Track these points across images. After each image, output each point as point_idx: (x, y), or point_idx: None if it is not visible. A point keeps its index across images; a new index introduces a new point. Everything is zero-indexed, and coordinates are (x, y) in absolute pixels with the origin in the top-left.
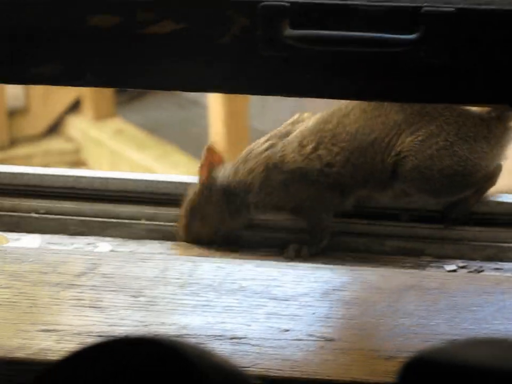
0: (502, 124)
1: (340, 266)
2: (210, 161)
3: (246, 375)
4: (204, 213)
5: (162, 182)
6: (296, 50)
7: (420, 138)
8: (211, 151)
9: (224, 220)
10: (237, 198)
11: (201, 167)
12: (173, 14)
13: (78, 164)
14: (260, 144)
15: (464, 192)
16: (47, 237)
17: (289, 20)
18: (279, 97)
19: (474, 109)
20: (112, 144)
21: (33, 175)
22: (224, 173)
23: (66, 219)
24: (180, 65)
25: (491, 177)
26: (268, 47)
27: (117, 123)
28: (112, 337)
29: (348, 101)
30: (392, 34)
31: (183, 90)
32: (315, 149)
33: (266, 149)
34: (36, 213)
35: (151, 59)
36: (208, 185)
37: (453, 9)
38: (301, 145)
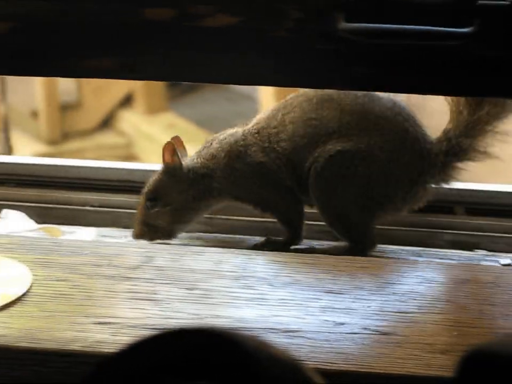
0: (443, 171)
1: (394, 260)
2: (174, 145)
3: (305, 367)
4: (167, 195)
5: None
6: (350, 43)
7: (339, 148)
8: (176, 139)
9: (187, 203)
10: (202, 181)
11: (164, 149)
12: (229, 7)
13: (130, 158)
14: (224, 131)
15: (365, 220)
16: (101, 229)
17: (344, 12)
18: None
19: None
20: (164, 138)
21: (88, 168)
22: (189, 157)
23: (120, 212)
24: (234, 58)
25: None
26: (322, 40)
27: (168, 117)
28: (170, 329)
29: (293, 97)
30: (447, 27)
31: (237, 84)
32: (268, 142)
33: (230, 135)
34: (90, 206)
35: (206, 52)
36: (172, 166)
37: (508, 2)
38: (259, 137)
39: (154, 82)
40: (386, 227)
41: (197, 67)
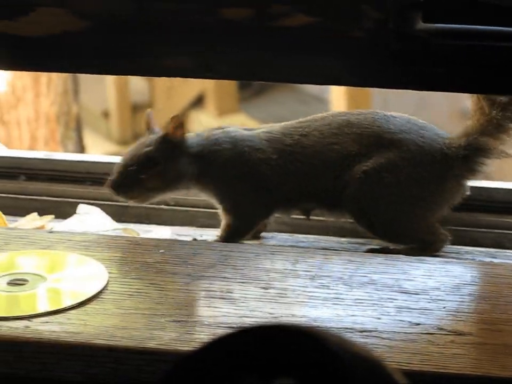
0: (466, 164)
1: (470, 261)
2: (183, 120)
3: (387, 365)
4: (163, 163)
5: None
6: (427, 43)
7: (364, 168)
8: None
9: (176, 178)
10: (198, 162)
11: (172, 120)
12: (306, 7)
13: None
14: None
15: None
16: (177, 228)
17: (422, 13)
18: (401, 91)
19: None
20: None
21: None
22: (194, 136)
23: (195, 211)
24: (311, 58)
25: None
26: (399, 40)
27: (240, 118)
28: (252, 325)
29: (310, 120)
30: None
31: (313, 83)
32: (276, 158)
33: (239, 130)
34: (166, 205)
35: (282, 52)
36: (176, 139)
37: None
38: (269, 147)
39: (226, 83)
40: (461, 228)
41: (273, 67)
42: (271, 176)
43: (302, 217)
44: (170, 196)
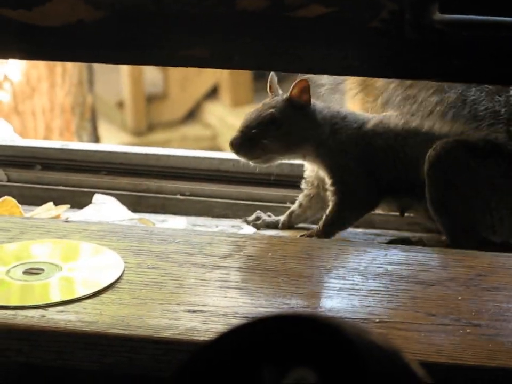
0: None
1: (484, 253)
2: (308, 85)
3: (404, 354)
4: (290, 126)
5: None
6: (444, 34)
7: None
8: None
9: (303, 142)
10: (319, 128)
11: (294, 85)
12: None
13: (215, 149)
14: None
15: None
16: (192, 218)
17: (439, 4)
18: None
19: None
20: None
21: (178, 157)
22: (321, 104)
23: (211, 201)
24: (327, 49)
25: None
26: (416, 31)
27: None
28: (267, 315)
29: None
30: None
31: (329, 74)
32: (394, 141)
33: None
34: (181, 195)
35: (298, 42)
36: (301, 102)
37: None
38: (386, 135)
39: (240, 74)
40: None
41: (289, 57)
42: (384, 163)
43: None
44: (288, 159)
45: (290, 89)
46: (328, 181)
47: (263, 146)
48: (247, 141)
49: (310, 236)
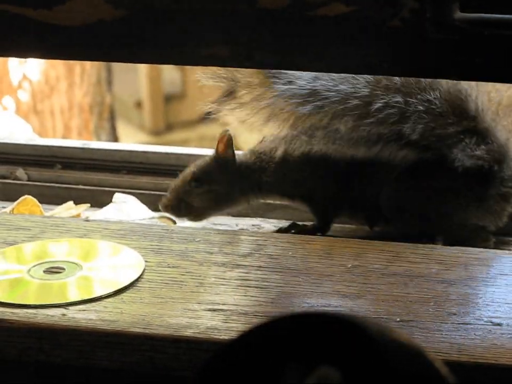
0: None
1: (505, 252)
2: (231, 137)
3: (427, 352)
4: (214, 182)
5: None
6: (466, 33)
7: None
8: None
9: (232, 195)
10: (252, 176)
11: (219, 141)
12: None
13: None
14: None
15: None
16: (212, 217)
17: (460, 2)
18: None
19: None
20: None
21: (198, 156)
22: (242, 152)
23: None
24: (347, 48)
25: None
26: (437, 29)
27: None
28: (292, 312)
29: None
30: None
31: (350, 73)
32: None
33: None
34: None
35: (319, 41)
36: (224, 157)
37: None
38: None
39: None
40: None
41: (310, 55)
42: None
43: None
44: (230, 211)
45: (216, 146)
46: (291, 202)
47: (188, 206)
48: (174, 201)
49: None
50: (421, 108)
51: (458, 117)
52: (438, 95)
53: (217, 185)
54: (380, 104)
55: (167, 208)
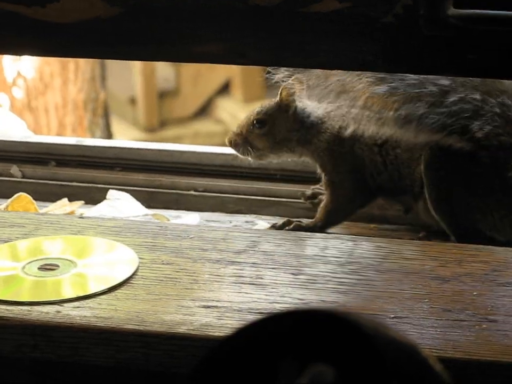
0: None
1: (500, 248)
2: (294, 89)
3: (422, 349)
4: (275, 126)
5: None
6: (459, 29)
7: None
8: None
9: (287, 143)
10: (308, 129)
11: (283, 88)
12: None
13: (227, 145)
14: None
15: None
16: (206, 214)
17: None
18: None
19: None
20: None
21: (192, 153)
22: (313, 105)
23: (224, 197)
24: (341, 44)
25: None
26: (430, 26)
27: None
28: (287, 310)
29: None
30: None
31: (343, 69)
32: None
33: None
34: (195, 191)
35: (312, 38)
36: (286, 104)
37: None
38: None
39: (252, 70)
40: None
41: (304, 52)
42: (369, 167)
43: None
44: (281, 158)
45: (279, 93)
46: (322, 176)
47: (250, 144)
48: (238, 139)
49: (301, 228)
50: (497, 110)
51: None
52: None
53: (277, 129)
54: (456, 98)
55: (231, 144)
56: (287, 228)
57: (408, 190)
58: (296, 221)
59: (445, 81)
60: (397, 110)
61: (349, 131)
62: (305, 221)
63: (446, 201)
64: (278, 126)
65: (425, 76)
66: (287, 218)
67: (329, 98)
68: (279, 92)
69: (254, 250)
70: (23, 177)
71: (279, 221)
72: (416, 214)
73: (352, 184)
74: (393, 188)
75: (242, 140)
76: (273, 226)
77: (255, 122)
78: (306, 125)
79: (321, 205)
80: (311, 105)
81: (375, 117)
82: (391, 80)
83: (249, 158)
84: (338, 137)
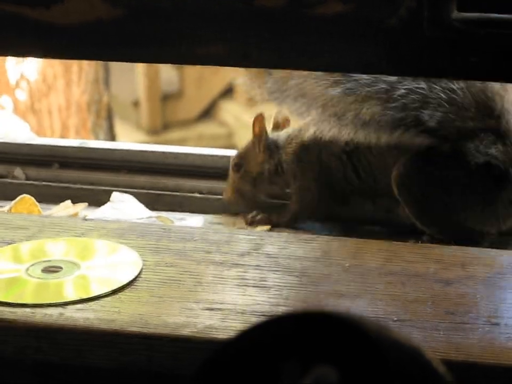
0: None
1: (503, 251)
2: (263, 118)
3: (426, 352)
4: (250, 163)
5: None
6: (462, 32)
7: None
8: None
9: (263, 174)
10: (277, 154)
11: (254, 122)
12: None
13: (230, 148)
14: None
15: None
16: (209, 216)
17: (457, 1)
18: None
19: None
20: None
21: (196, 155)
22: (277, 133)
23: None
24: (345, 46)
25: None
26: (434, 28)
27: (269, 109)
28: (290, 312)
29: None
30: None
31: (347, 72)
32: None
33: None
34: (199, 193)
35: (316, 40)
36: (259, 138)
37: None
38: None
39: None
40: None
41: (308, 55)
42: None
43: None
44: (273, 192)
45: (252, 128)
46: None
47: (239, 193)
48: (230, 193)
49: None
50: (443, 95)
51: (481, 113)
52: (463, 86)
53: (251, 166)
54: (404, 90)
55: (228, 201)
56: (256, 218)
57: (386, 192)
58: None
59: (393, 76)
60: (354, 110)
61: (308, 133)
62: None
63: (425, 211)
64: (251, 162)
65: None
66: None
67: (288, 101)
68: (252, 125)
69: (258, 253)
70: (27, 179)
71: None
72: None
73: (317, 189)
74: (370, 192)
75: (233, 192)
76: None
77: (234, 167)
78: (274, 151)
79: (290, 208)
80: (282, 133)
81: (334, 119)
82: (345, 81)
83: (246, 210)
84: (304, 145)
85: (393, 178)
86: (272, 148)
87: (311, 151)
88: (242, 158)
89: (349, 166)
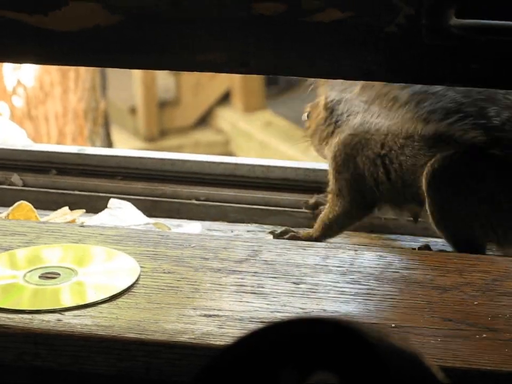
0: None
1: (500, 258)
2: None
3: (425, 358)
4: (311, 118)
5: (322, 170)
6: (462, 39)
7: None
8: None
9: (321, 134)
10: (336, 125)
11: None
12: (339, 2)
13: (227, 155)
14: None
15: None
16: (207, 223)
17: (455, 8)
18: None
19: None
20: (261, 136)
21: (194, 162)
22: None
23: (226, 206)
24: (344, 53)
25: None
26: (432, 36)
27: (266, 115)
28: (289, 318)
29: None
30: None
31: (346, 79)
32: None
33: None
34: (196, 200)
35: (316, 47)
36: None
37: None
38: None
39: (253, 80)
40: None
41: (306, 61)
42: (373, 174)
43: None
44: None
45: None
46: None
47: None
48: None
49: (297, 238)
50: (510, 98)
51: None
52: None
53: (313, 119)
54: None
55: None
56: (284, 236)
57: (413, 197)
58: (293, 231)
59: None
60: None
61: (356, 120)
62: (302, 231)
63: (447, 218)
64: (313, 115)
65: None
66: (286, 227)
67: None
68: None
69: (255, 260)
70: (24, 185)
71: (278, 229)
72: (424, 220)
73: (350, 195)
74: (397, 197)
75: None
76: (272, 233)
77: (306, 115)
78: (333, 117)
79: (320, 215)
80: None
81: (386, 98)
82: None
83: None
84: (349, 141)
85: (425, 175)
86: (333, 111)
87: (353, 151)
88: (310, 108)
89: (381, 169)
